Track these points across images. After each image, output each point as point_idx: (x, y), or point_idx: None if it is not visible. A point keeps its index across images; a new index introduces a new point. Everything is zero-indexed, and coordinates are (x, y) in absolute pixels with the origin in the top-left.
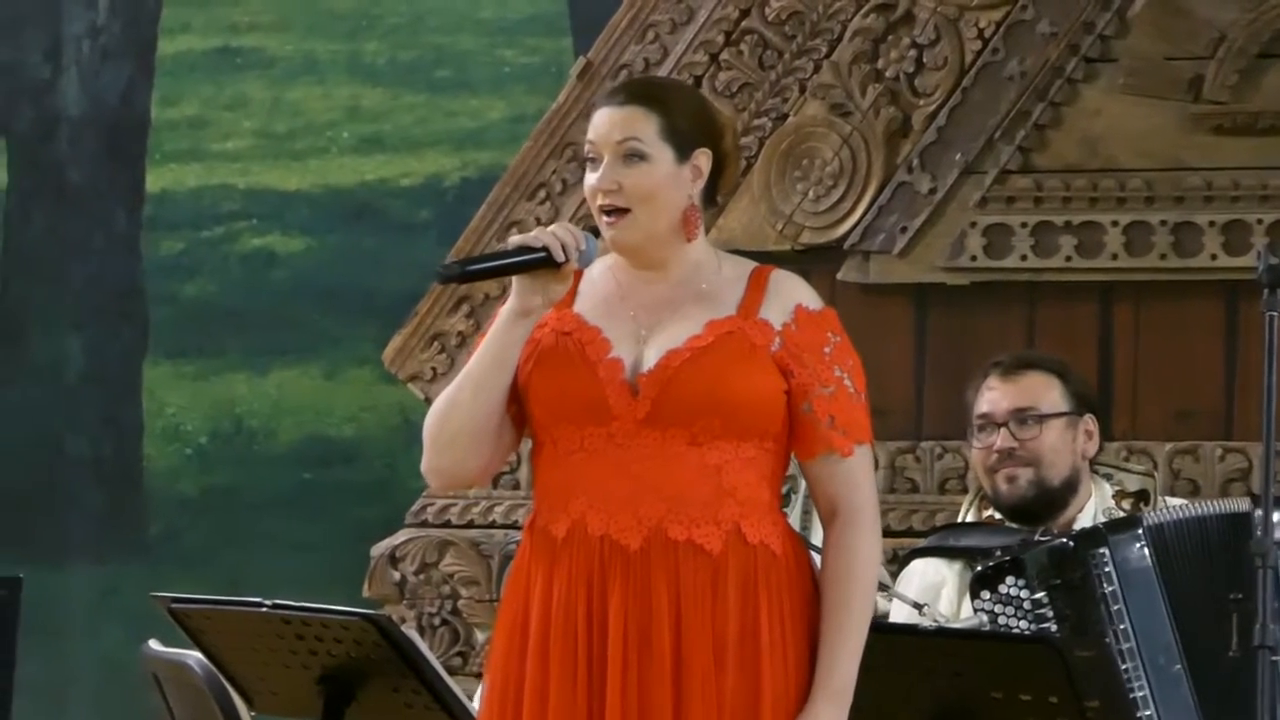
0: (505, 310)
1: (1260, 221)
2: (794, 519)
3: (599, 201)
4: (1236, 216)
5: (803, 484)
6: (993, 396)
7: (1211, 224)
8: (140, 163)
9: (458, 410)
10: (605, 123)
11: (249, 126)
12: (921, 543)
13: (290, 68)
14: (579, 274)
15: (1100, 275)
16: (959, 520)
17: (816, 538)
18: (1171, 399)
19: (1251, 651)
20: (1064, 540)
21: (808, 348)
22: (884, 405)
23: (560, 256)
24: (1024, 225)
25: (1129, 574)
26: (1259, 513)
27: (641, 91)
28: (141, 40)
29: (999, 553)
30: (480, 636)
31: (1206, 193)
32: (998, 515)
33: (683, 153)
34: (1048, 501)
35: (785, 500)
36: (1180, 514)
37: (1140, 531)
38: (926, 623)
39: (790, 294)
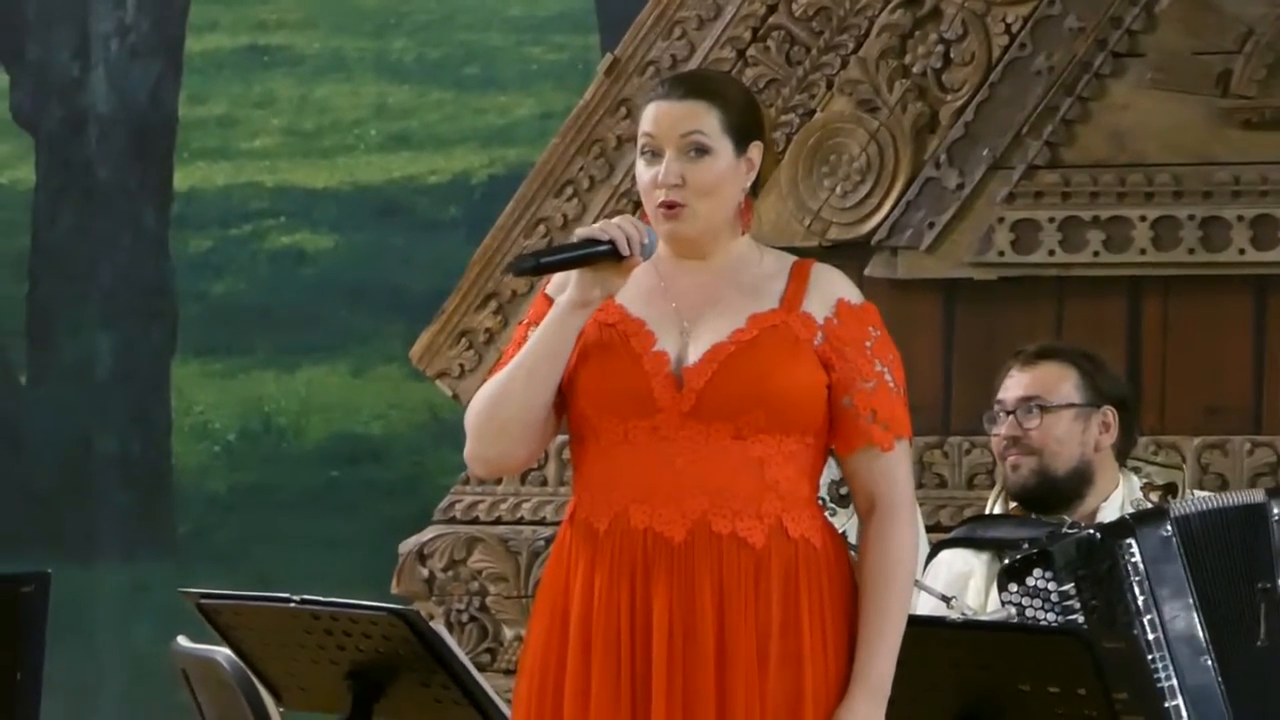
0: (563, 301)
1: None
2: (852, 523)
3: (659, 197)
4: (1265, 211)
5: None
6: (1008, 383)
7: (1240, 218)
8: (168, 161)
9: (509, 400)
10: (667, 116)
11: (277, 124)
12: (949, 535)
13: (318, 65)
14: None
15: (1128, 270)
16: (986, 513)
17: None
18: (1200, 394)
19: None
20: (1091, 532)
21: (849, 342)
22: (912, 400)
23: (626, 250)
24: (1051, 220)
25: (1156, 565)
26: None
27: (700, 85)
28: (170, 38)
29: (1026, 545)
30: (509, 633)
31: (1234, 187)
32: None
33: (740, 146)
34: (1052, 490)
35: (845, 501)
36: (1207, 505)
37: (1167, 522)
38: (954, 615)
39: (832, 288)
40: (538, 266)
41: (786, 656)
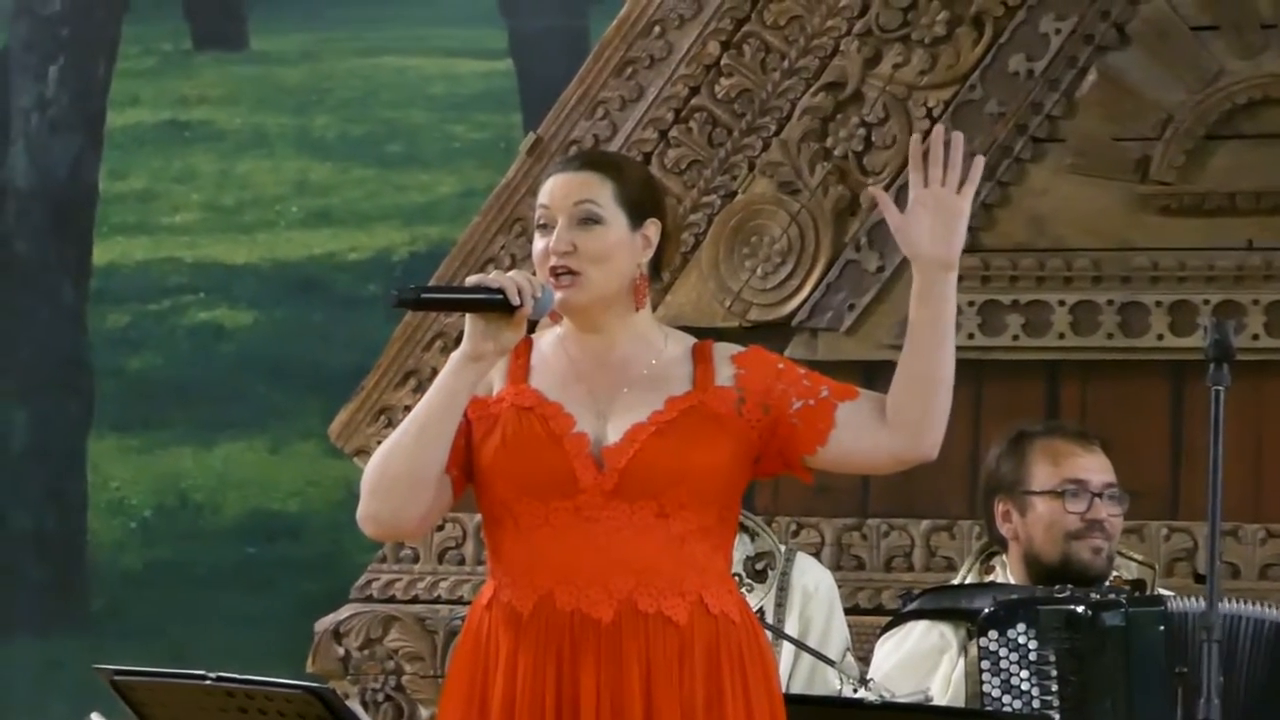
0: (456, 355)
1: (1206, 302)
2: (769, 599)
3: (551, 263)
4: (1183, 297)
5: (779, 563)
6: (1085, 464)
7: (1158, 304)
8: (88, 235)
9: (399, 455)
10: (560, 187)
11: (197, 200)
12: (917, 607)
13: (239, 141)
14: (528, 344)
15: (1047, 354)
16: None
17: (791, 618)
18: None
19: None
20: (1085, 607)
21: (765, 372)
22: (831, 482)
23: (515, 300)
24: (971, 304)
25: (1144, 656)
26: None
27: (595, 158)
28: (90, 113)
29: (1015, 595)
30: (424, 713)
31: (1153, 273)
32: (1000, 580)
33: (635, 220)
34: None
35: (762, 577)
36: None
37: (1162, 611)
38: (872, 697)
39: (724, 353)
40: (419, 301)
41: None
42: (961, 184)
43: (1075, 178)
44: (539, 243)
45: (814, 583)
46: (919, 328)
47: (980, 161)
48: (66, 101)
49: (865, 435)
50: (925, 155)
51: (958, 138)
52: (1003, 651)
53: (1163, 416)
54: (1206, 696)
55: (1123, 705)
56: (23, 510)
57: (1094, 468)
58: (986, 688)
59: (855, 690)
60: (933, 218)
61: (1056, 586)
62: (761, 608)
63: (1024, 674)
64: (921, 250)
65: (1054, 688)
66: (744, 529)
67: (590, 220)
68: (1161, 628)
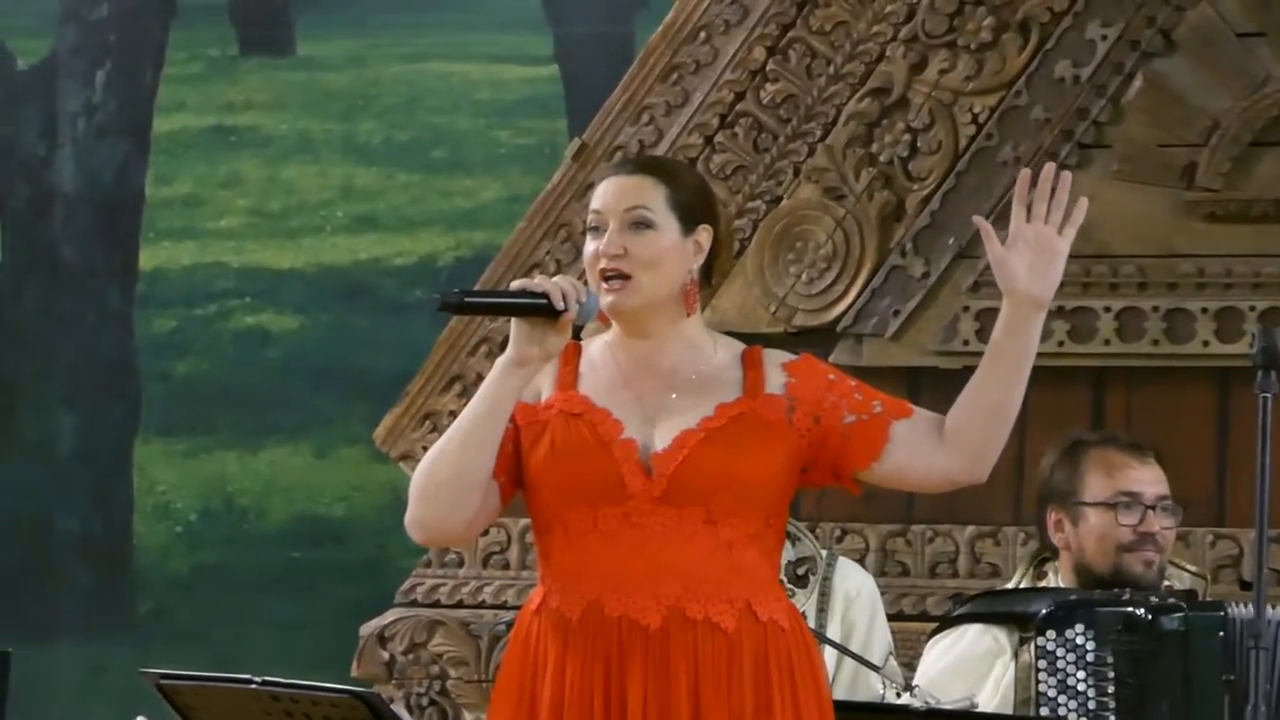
0: (501, 360)
1: (1253, 309)
2: (811, 604)
3: (601, 266)
4: (1229, 303)
5: (820, 568)
6: (1139, 476)
7: (1204, 311)
8: (134, 240)
9: (445, 461)
10: (613, 191)
11: (243, 205)
12: (969, 610)
13: (285, 146)
14: (577, 350)
15: (1093, 361)
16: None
17: (833, 623)
18: None
19: None
20: (1144, 610)
21: (816, 381)
22: (875, 488)
23: (560, 304)
24: None
25: (1201, 662)
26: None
27: (649, 163)
28: (137, 118)
29: (1074, 596)
30: (469, 717)
31: (1199, 279)
32: (1051, 585)
33: (687, 226)
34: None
35: (804, 582)
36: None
37: (1221, 617)
38: (917, 703)
39: (775, 360)
40: (463, 304)
41: None
42: (1064, 224)
43: (1121, 184)
44: (590, 246)
45: (856, 588)
46: (1000, 358)
47: (1084, 203)
48: (113, 107)
49: (921, 454)
50: (1030, 189)
51: (1066, 177)
52: (1060, 651)
53: (1208, 423)
54: (1254, 704)
55: (1180, 710)
56: (69, 514)
57: (1148, 480)
58: (1042, 687)
59: (899, 695)
60: (1033, 254)
61: (1115, 590)
62: (804, 613)
63: (1080, 674)
64: (1018, 285)
65: (1110, 689)
66: (785, 534)
67: (642, 224)
68: (1221, 633)
